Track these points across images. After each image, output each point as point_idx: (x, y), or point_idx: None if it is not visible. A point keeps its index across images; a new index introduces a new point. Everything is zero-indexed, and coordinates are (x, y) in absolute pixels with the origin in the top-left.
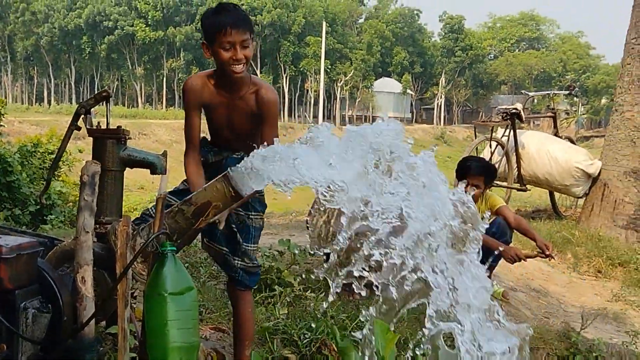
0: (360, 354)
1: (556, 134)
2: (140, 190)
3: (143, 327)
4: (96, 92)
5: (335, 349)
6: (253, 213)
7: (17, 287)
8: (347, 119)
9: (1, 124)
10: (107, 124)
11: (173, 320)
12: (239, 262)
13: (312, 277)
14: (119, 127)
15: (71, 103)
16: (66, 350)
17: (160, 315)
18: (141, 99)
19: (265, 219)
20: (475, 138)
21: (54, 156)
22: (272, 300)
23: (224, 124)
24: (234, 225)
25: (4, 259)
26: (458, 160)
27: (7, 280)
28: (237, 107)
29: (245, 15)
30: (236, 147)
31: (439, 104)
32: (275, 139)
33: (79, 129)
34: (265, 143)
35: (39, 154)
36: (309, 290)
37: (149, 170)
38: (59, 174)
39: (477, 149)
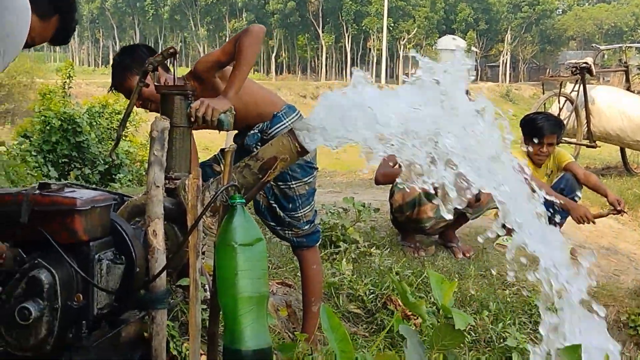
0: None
1: (628, 89)
2: (205, 151)
3: (214, 279)
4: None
5: (401, 304)
6: (293, 182)
7: (91, 239)
8: (409, 76)
9: (70, 85)
10: (174, 80)
11: (243, 270)
12: (288, 232)
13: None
14: (186, 83)
15: None
16: (139, 300)
17: (231, 265)
18: None
19: (330, 178)
20: (544, 94)
21: (121, 116)
22: (337, 256)
23: None
24: (272, 201)
25: (79, 211)
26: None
27: (82, 231)
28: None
29: (115, 69)
30: (244, 124)
31: (505, 61)
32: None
33: (147, 86)
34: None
35: (106, 114)
36: (374, 247)
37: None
38: (126, 133)
39: (544, 105)
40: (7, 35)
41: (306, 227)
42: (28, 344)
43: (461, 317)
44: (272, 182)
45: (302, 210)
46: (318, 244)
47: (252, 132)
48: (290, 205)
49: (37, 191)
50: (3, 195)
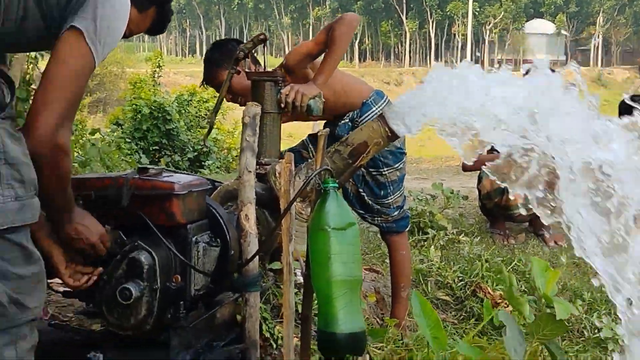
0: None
1: None
2: (289, 138)
3: (307, 263)
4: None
5: (491, 292)
6: (385, 169)
7: (189, 222)
8: (495, 63)
9: (159, 74)
10: (264, 66)
11: (336, 254)
12: (377, 219)
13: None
14: (275, 69)
15: None
16: (232, 283)
17: (324, 250)
18: (288, 48)
19: (416, 164)
20: None
21: (208, 105)
22: (425, 243)
23: None
24: (361, 189)
25: (177, 195)
26: (617, 103)
27: (180, 215)
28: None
29: (206, 64)
30: (333, 114)
31: (596, 44)
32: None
33: (238, 72)
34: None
35: (194, 102)
36: (462, 234)
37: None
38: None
39: None
40: (107, 28)
41: (395, 213)
42: (129, 323)
43: (563, 307)
44: (363, 170)
45: (392, 197)
46: (407, 229)
47: (342, 122)
48: (382, 192)
49: (137, 176)
50: (103, 179)
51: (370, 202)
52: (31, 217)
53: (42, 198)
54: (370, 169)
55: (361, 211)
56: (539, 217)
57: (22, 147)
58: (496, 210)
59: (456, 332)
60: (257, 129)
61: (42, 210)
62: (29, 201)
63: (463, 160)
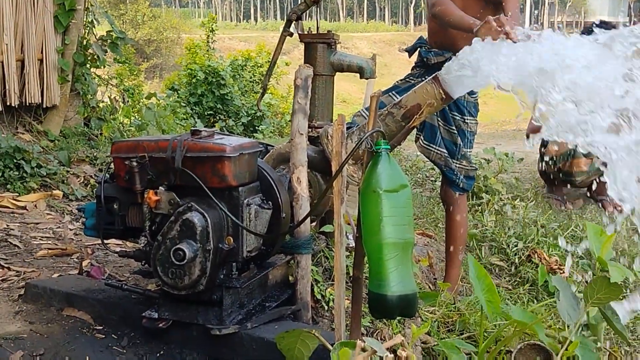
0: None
1: None
2: (342, 104)
3: (358, 225)
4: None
5: (547, 257)
6: (469, 117)
7: (240, 184)
8: (555, 25)
9: (213, 39)
10: (317, 28)
11: (388, 216)
12: (458, 165)
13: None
14: (329, 31)
15: (276, 19)
16: (284, 245)
17: (375, 212)
18: (342, 12)
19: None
20: None
21: (262, 69)
22: (480, 208)
23: None
24: (454, 128)
25: (228, 157)
26: None
27: (232, 177)
28: None
29: None
30: (461, 45)
31: None
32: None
33: (291, 34)
34: (510, 13)
35: (249, 67)
36: (518, 199)
37: (354, 79)
38: (268, 86)
39: None
40: None
41: (473, 165)
42: (182, 283)
43: (618, 270)
44: (451, 113)
45: (468, 149)
46: (468, 191)
47: None
48: (462, 140)
49: (190, 138)
50: (158, 142)
51: (460, 142)
52: None
53: None
54: (454, 113)
55: (445, 151)
56: (599, 183)
57: None
58: (558, 175)
59: (510, 297)
60: (309, 91)
61: None
62: None
63: (528, 127)
